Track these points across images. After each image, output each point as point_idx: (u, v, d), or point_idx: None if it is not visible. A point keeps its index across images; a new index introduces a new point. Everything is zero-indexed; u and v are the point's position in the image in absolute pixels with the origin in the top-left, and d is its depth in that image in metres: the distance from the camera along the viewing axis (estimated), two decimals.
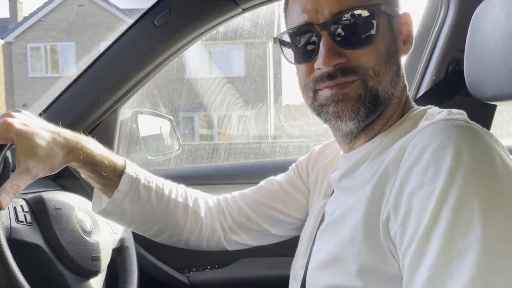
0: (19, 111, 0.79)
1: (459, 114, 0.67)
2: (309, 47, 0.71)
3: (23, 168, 0.73)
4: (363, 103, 0.68)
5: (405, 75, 0.75)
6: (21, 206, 0.86)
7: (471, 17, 0.87)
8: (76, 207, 0.96)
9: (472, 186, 0.51)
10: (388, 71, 0.69)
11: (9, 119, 0.74)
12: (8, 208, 0.80)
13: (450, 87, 1.12)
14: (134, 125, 1.27)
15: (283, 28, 0.77)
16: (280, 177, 1.03)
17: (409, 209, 0.55)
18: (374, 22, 0.67)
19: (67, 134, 0.81)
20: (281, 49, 0.76)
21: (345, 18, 0.67)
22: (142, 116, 1.29)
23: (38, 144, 0.75)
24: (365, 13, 0.67)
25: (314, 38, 0.69)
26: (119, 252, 1.05)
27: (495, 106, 1.05)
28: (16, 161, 0.74)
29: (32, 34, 15.36)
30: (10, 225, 0.79)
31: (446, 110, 0.68)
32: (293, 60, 0.75)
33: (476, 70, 0.84)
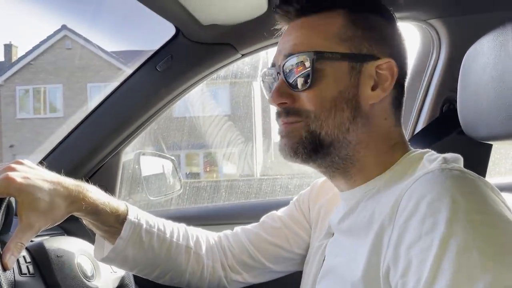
0: (20, 163, 0.78)
1: (455, 160, 0.68)
2: (272, 86, 0.78)
3: (25, 223, 0.72)
4: (302, 143, 0.72)
5: (394, 119, 0.75)
6: (24, 257, 0.84)
7: (462, 59, 0.90)
8: (77, 252, 0.96)
9: (470, 238, 0.51)
10: (334, 116, 0.71)
11: (10, 174, 0.73)
12: None
13: (445, 126, 1.14)
14: (136, 167, 1.28)
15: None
16: (281, 212, 1.03)
17: (408, 261, 0.55)
18: (315, 68, 0.70)
19: (69, 184, 0.80)
20: (261, 86, 0.83)
21: (291, 62, 0.72)
22: (145, 157, 1.31)
23: (40, 198, 0.74)
24: (306, 59, 0.71)
25: (275, 78, 0.78)
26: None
27: (491, 144, 1.07)
28: (18, 216, 0.73)
29: (21, 77, 15.46)
30: (14, 279, 0.78)
31: (441, 157, 0.67)
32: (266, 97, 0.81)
33: (469, 112, 0.87)
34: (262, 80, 0.83)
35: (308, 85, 0.71)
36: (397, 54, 0.75)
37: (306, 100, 0.72)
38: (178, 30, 1.14)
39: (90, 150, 1.21)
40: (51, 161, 1.18)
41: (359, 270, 0.63)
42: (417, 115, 1.24)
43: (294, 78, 0.72)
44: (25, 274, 0.81)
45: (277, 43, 1.18)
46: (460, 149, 0.71)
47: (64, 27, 14.83)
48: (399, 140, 0.76)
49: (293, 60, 0.72)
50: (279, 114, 0.76)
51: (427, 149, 0.74)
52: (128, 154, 1.30)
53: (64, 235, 1.14)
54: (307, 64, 0.70)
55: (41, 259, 0.87)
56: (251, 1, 1.05)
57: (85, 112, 1.22)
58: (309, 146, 0.72)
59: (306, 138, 0.72)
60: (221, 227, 1.34)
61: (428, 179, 0.59)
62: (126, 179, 1.33)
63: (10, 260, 0.70)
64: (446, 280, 0.49)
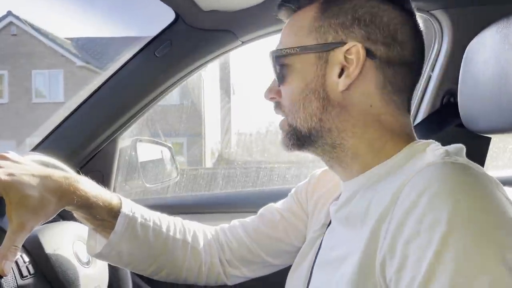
0: (4, 157, 0.74)
1: (457, 152, 0.66)
2: None
3: (16, 224, 0.68)
4: (288, 137, 0.76)
5: (387, 106, 0.71)
6: (22, 257, 0.82)
7: (464, 51, 0.90)
8: (73, 239, 0.95)
9: (471, 237, 0.49)
10: (303, 108, 0.73)
11: None
12: None
13: (445, 118, 1.14)
14: (133, 153, 1.28)
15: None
16: (280, 204, 1.01)
17: (404, 256, 0.53)
18: (281, 64, 0.75)
19: (58, 176, 0.76)
20: None
21: (270, 62, 0.76)
22: (141, 144, 1.30)
23: (29, 195, 0.69)
24: (272, 57, 0.75)
25: None
26: (115, 269, 1.04)
27: (489, 137, 1.06)
28: (8, 217, 0.68)
29: None
30: (17, 284, 0.76)
31: (444, 149, 0.64)
32: None
33: (469, 104, 0.87)
34: None
35: (281, 81, 0.76)
36: (381, 34, 0.69)
37: (283, 95, 0.76)
38: (177, 16, 1.13)
39: (86, 136, 1.19)
40: (46, 147, 1.17)
41: (355, 261, 0.62)
42: (417, 106, 1.23)
43: (275, 76, 0.77)
44: (26, 276, 0.79)
45: (278, 30, 1.18)
46: (458, 141, 0.69)
47: (9, 13, 14.65)
48: (400, 129, 0.72)
49: (270, 60, 0.76)
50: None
51: (431, 140, 0.71)
52: (125, 140, 1.30)
53: (59, 220, 1.13)
54: (275, 62, 0.75)
55: (38, 256, 0.85)
56: None
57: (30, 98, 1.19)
58: (293, 138, 0.76)
59: (289, 132, 0.76)
60: (218, 215, 1.35)
61: (430, 172, 0.56)
62: (122, 166, 1.32)
63: (6, 266, 0.67)
64: (444, 280, 0.48)
